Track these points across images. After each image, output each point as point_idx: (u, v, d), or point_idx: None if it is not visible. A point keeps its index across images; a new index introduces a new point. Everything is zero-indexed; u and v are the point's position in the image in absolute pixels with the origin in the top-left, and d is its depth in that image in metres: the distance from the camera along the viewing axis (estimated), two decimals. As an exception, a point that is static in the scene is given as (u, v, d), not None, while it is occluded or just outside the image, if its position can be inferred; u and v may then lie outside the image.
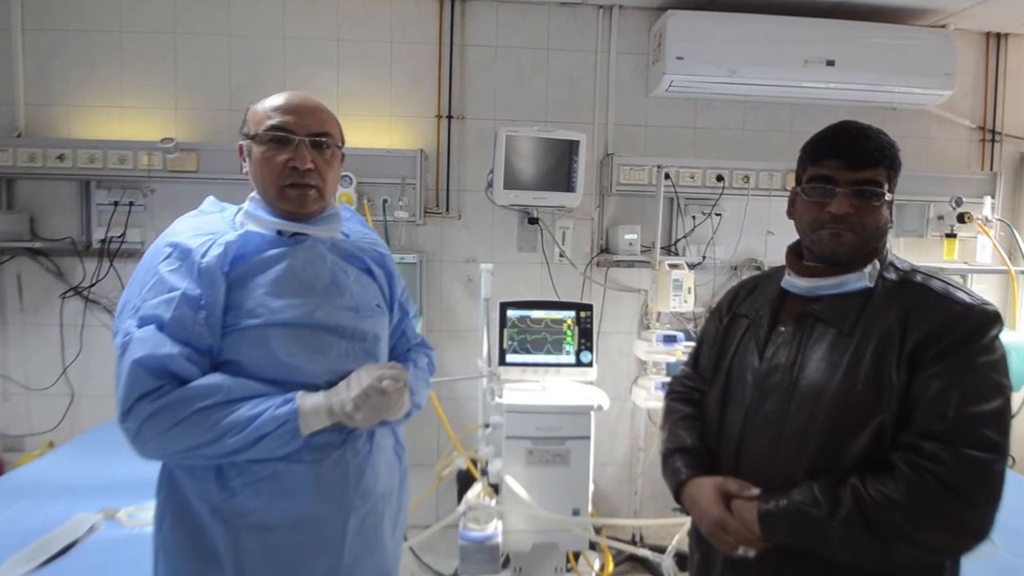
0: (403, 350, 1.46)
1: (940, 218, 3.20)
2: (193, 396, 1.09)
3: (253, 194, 1.28)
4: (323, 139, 1.25)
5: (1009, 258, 3.16)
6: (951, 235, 3.12)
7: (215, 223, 1.25)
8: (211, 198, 1.34)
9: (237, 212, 1.28)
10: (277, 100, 1.24)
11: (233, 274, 1.17)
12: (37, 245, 2.85)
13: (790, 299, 1.23)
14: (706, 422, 1.29)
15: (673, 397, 1.39)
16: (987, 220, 3.07)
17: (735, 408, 1.22)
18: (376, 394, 1.16)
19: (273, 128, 1.21)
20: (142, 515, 1.74)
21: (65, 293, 2.92)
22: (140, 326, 1.11)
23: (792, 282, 1.22)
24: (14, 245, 2.82)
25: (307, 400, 1.14)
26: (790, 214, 1.24)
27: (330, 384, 1.19)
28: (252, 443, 1.10)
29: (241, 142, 1.28)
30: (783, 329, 1.19)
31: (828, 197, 1.13)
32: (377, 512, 1.28)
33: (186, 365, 1.11)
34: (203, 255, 1.15)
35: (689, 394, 1.36)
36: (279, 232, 1.25)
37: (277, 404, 1.12)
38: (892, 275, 1.14)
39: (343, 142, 1.32)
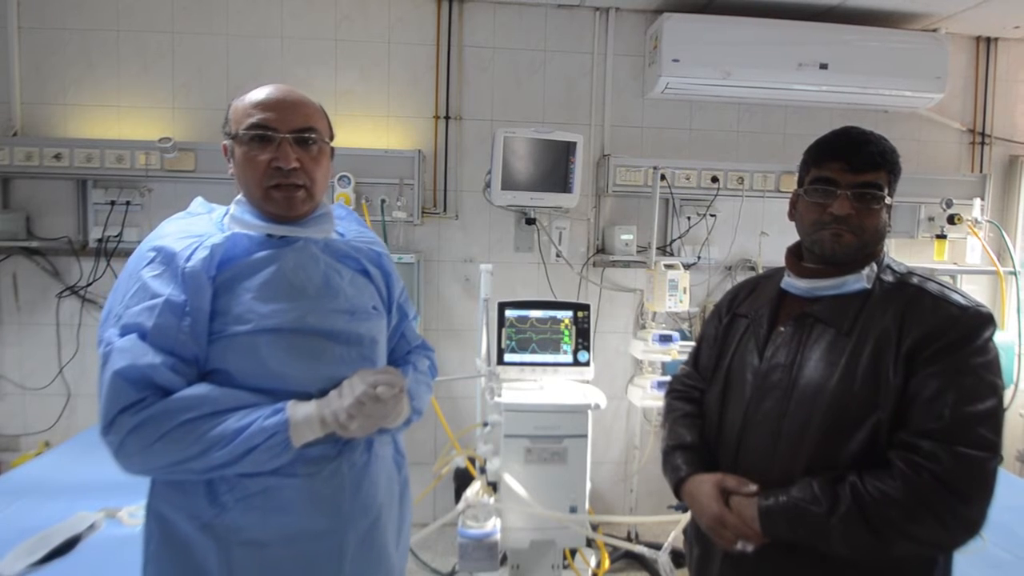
0: (403, 353, 1.39)
1: (931, 219, 3.25)
2: (177, 408, 1.04)
3: (239, 196, 1.22)
4: (308, 135, 1.17)
5: (998, 259, 3.20)
6: (941, 236, 3.16)
7: (203, 225, 1.18)
8: (199, 199, 1.29)
9: (225, 214, 1.22)
10: (257, 95, 1.17)
11: (220, 278, 1.11)
12: (33, 244, 2.84)
13: (789, 300, 1.25)
14: (706, 420, 1.32)
15: (674, 395, 1.41)
16: (976, 221, 3.13)
17: (735, 406, 1.24)
18: (371, 401, 1.10)
19: (253, 126, 1.14)
20: (143, 514, 1.74)
21: (61, 292, 2.92)
22: (122, 335, 1.06)
23: (791, 283, 1.25)
24: (10, 244, 2.80)
25: (298, 410, 1.09)
26: (791, 216, 1.27)
27: (324, 392, 1.13)
28: (240, 456, 1.05)
29: (224, 142, 1.21)
30: (783, 329, 1.21)
31: (830, 199, 1.15)
32: (380, 525, 1.22)
33: (170, 375, 1.05)
34: (187, 259, 1.09)
35: (689, 392, 1.39)
36: (269, 234, 1.19)
37: (266, 415, 1.07)
38: (889, 277, 1.17)
39: (332, 136, 1.25)
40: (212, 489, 1.10)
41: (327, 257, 1.24)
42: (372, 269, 1.31)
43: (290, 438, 1.07)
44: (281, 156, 1.14)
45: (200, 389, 1.07)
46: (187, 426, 1.04)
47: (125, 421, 1.03)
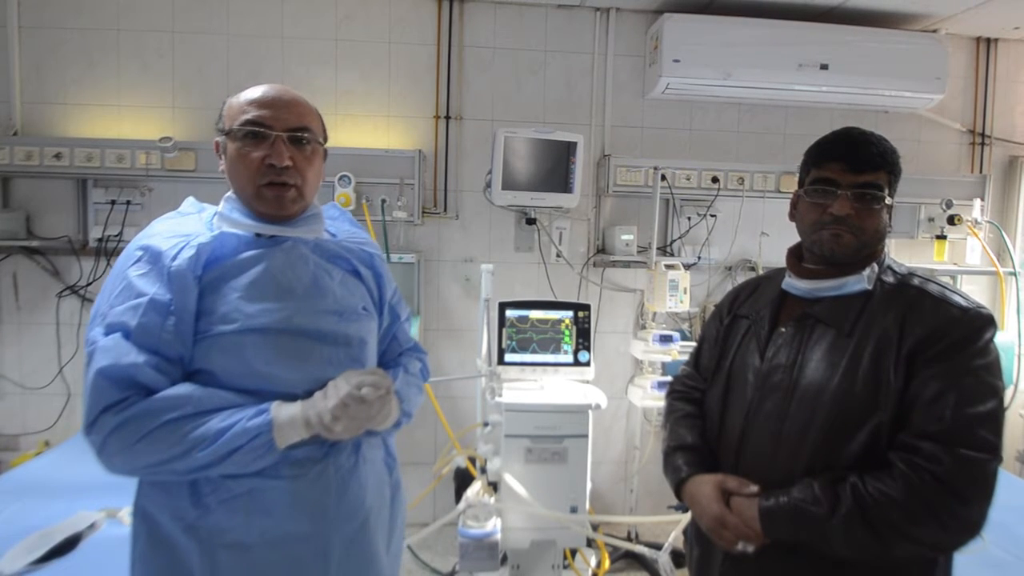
0: (394, 355, 1.38)
1: (931, 220, 3.25)
2: (160, 408, 1.03)
3: (228, 194, 1.21)
4: (302, 134, 1.17)
5: (998, 259, 3.21)
6: (941, 237, 3.17)
7: (192, 225, 1.18)
8: (191, 199, 1.28)
9: (215, 214, 1.21)
10: (253, 93, 1.17)
11: (206, 278, 1.11)
12: (33, 244, 2.84)
13: (790, 300, 1.26)
14: (707, 421, 1.32)
15: (675, 396, 1.42)
16: (976, 222, 3.13)
17: (736, 407, 1.24)
18: (355, 403, 1.09)
19: (248, 123, 1.14)
20: (140, 514, 1.74)
21: (61, 292, 2.92)
22: (106, 334, 1.05)
23: (792, 284, 1.25)
24: (10, 244, 2.80)
25: (283, 411, 1.07)
26: (792, 216, 1.27)
27: (310, 394, 1.12)
28: (223, 457, 1.04)
29: (217, 139, 1.20)
30: (784, 330, 1.21)
31: (830, 199, 1.16)
32: (369, 529, 1.20)
33: (153, 375, 1.04)
34: (173, 258, 1.08)
35: (690, 393, 1.39)
36: (258, 233, 1.18)
37: (250, 415, 1.06)
38: (890, 278, 1.17)
39: (325, 138, 1.25)
40: (196, 490, 1.09)
41: (317, 257, 1.23)
42: (363, 270, 1.30)
43: (274, 439, 1.06)
44: (275, 154, 1.14)
45: (183, 389, 1.06)
46: (169, 426, 1.03)
47: (107, 420, 1.02)
